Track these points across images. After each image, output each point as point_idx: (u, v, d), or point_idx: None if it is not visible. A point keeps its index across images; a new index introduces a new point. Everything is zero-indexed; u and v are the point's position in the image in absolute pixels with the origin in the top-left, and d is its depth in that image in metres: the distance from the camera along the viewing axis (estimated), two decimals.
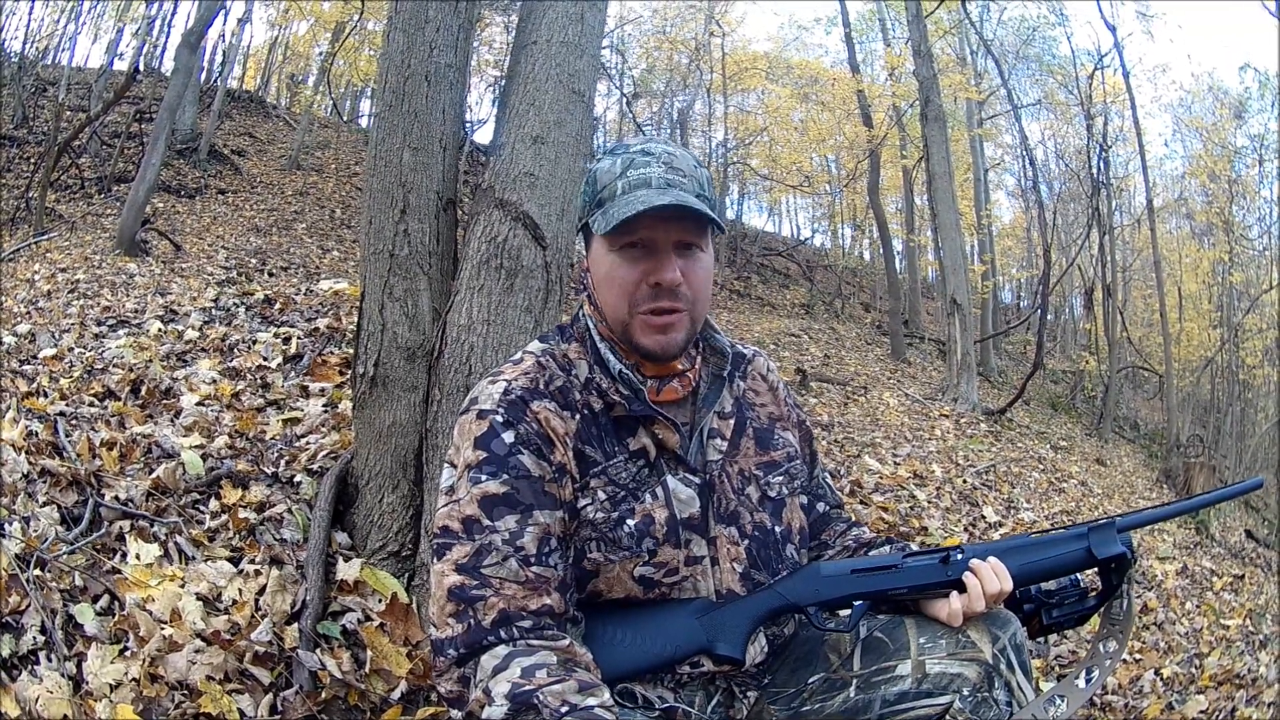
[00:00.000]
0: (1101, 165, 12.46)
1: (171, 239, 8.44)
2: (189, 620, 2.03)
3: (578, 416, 1.26)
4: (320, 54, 17.76)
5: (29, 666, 1.83)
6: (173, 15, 13.96)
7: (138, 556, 2.24)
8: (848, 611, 1.32)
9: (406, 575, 2.44)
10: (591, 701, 1.08)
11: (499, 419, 1.22)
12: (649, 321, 1.25)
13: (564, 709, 1.06)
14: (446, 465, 1.25)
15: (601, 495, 1.25)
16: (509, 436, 1.21)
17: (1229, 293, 18.52)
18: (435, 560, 1.19)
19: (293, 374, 3.70)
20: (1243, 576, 6.01)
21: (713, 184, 1.31)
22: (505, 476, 1.19)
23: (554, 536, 1.21)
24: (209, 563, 2.28)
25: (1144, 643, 3.71)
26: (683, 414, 1.34)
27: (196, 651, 1.94)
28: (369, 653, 2.16)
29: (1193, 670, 3.42)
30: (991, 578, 1.26)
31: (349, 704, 2.04)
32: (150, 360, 3.64)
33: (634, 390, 1.28)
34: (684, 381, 1.33)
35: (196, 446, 2.83)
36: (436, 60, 2.56)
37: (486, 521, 1.17)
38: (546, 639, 1.14)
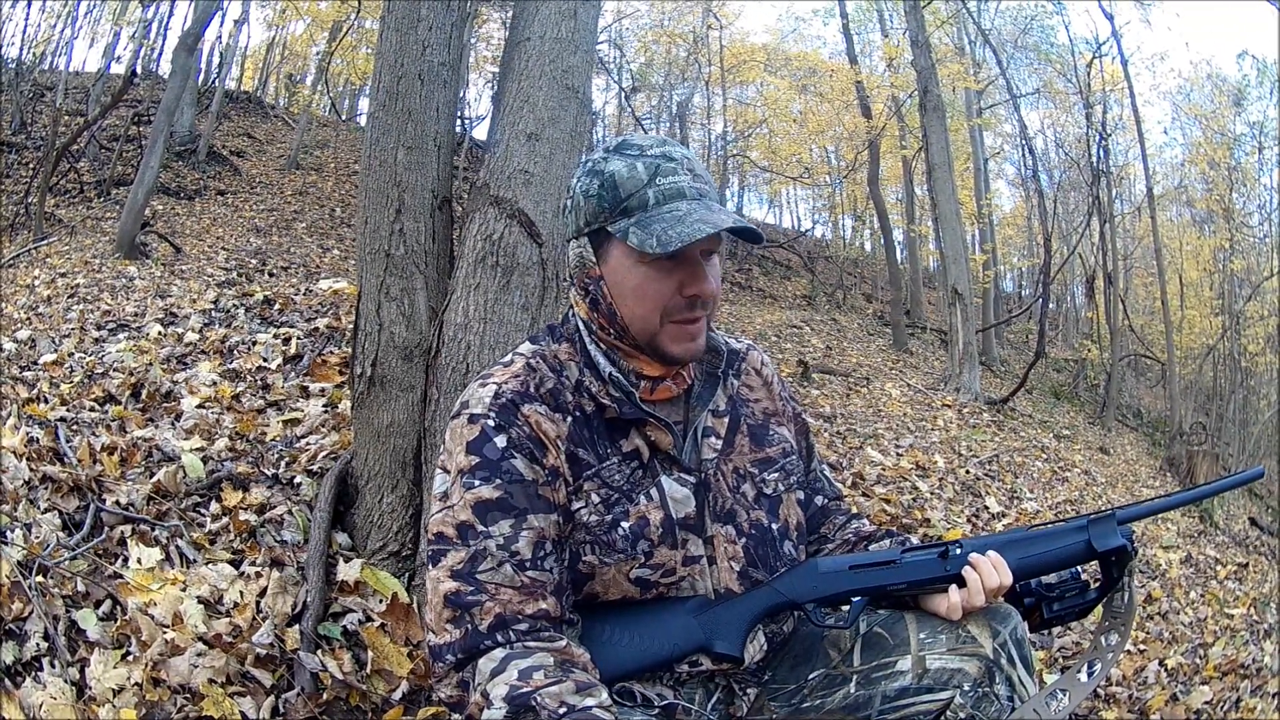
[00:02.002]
0: (1101, 153, 12.44)
1: (171, 241, 8.43)
2: (191, 624, 2.04)
3: (569, 419, 1.25)
4: (318, 53, 17.77)
5: (33, 673, 1.84)
6: (169, 18, 14.01)
7: (139, 561, 2.24)
8: (847, 607, 1.31)
9: (407, 575, 2.44)
10: (589, 702, 1.08)
11: (490, 423, 1.21)
12: (682, 330, 1.24)
13: (562, 710, 1.06)
14: (439, 470, 1.24)
15: (595, 498, 1.24)
16: (501, 441, 1.20)
17: (1230, 280, 18.48)
18: (430, 567, 1.19)
19: (292, 374, 3.70)
20: (1247, 564, 6.01)
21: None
22: (498, 481, 1.18)
23: (549, 540, 1.20)
24: (210, 566, 2.29)
25: (1148, 633, 3.70)
26: (676, 412, 1.33)
27: (198, 655, 1.95)
28: (370, 653, 2.16)
29: (1197, 660, 3.41)
30: (991, 572, 1.26)
31: (350, 705, 2.05)
32: (150, 364, 3.64)
33: (625, 393, 1.27)
34: (678, 380, 1.32)
35: (197, 449, 2.84)
36: (430, 59, 2.55)
37: (481, 527, 1.17)
38: (543, 640, 1.14)
